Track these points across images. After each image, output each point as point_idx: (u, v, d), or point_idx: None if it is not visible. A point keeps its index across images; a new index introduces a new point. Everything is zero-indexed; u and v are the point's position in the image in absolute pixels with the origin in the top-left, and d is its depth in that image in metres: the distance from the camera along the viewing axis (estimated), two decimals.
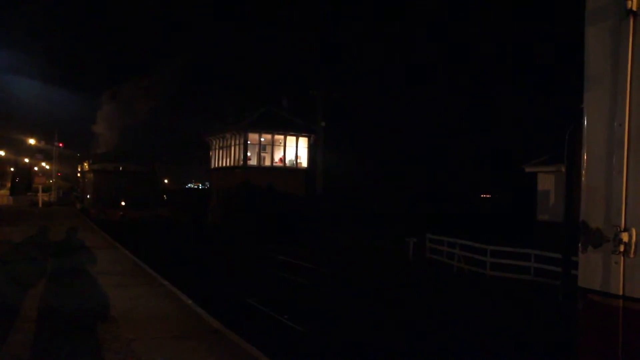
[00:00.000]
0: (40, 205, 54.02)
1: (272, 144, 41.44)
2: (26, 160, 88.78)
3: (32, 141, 78.46)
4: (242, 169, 40.18)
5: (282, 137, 41.43)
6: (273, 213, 37.26)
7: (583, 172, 2.83)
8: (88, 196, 46.13)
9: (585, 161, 2.81)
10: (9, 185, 80.00)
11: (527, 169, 25.57)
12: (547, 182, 24.38)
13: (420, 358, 10.86)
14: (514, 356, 10.98)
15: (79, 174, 68.58)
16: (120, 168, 42.94)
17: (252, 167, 40.59)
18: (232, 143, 42.23)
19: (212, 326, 9.16)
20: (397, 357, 10.93)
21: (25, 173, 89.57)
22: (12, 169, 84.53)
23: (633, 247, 2.55)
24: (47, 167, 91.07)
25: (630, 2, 2.55)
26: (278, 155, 41.65)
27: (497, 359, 10.87)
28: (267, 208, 37.70)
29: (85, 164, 58.40)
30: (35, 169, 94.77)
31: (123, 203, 39.81)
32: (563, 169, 15.96)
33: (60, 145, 74.89)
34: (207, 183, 63.59)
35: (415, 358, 10.84)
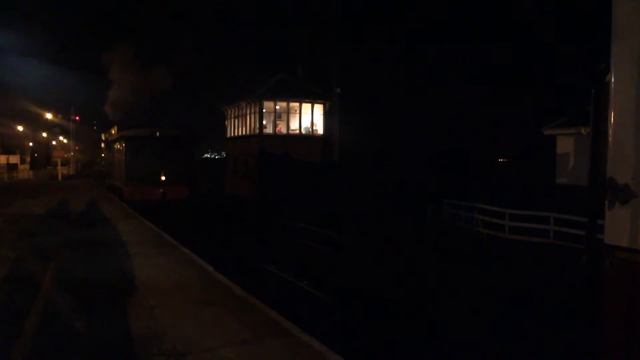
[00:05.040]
0: (59, 178, 54.75)
1: (288, 111, 41.20)
2: (44, 134, 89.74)
3: (49, 116, 79.18)
4: (258, 138, 40.12)
5: (297, 104, 41.16)
6: (290, 181, 37.29)
7: (610, 128, 2.76)
8: (117, 171, 38.18)
9: (612, 116, 2.74)
10: (28, 159, 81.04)
11: (546, 132, 25.23)
12: (566, 144, 24.06)
13: (435, 329, 10.91)
14: (539, 318, 11.00)
15: (103, 144, 58.78)
16: (157, 133, 35.23)
17: (268, 135, 40.46)
18: (248, 112, 42.14)
19: (234, 292, 9.26)
20: (414, 329, 11.00)
21: (44, 147, 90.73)
22: (30, 144, 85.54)
23: None
24: (65, 141, 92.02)
25: None
26: (294, 123, 41.46)
27: (525, 321, 10.90)
28: (284, 176, 37.70)
29: (112, 131, 47.51)
30: (54, 143, 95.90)
31: (163, 178, 32.83)
32: (583, 131, 15.72)
33: (77, 118, 75.49)
34: (223, 153, 63.45)
35: (431, 332, 10.90)
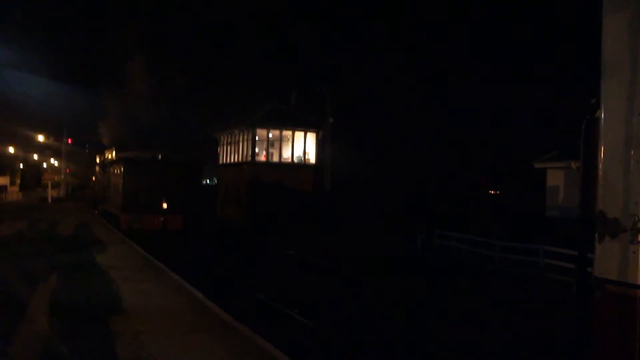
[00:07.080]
0: (49, 201, 54.39)
1: (280, 139, 41.29)
2: (35, 156, 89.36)
3: (41, 138, 78.97)
4: (250, 165, 40.13)
5: (290, 133, 41.29)
6: (281, 209, 37.18)
7: (600, 162, 2.81)
8: (113, 196, 35.09)
9: (602, 151, 2.80)
10: (18, 181, 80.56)
11: (537, 165, 25.44)
12: (556, 178, 24.25)
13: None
14: (532, 350, 10.95)
15: (97, 167, 53.54)
16: (159, 157, 32.21)
17: (260, 163, 40.47)
18: (240, 139, 42.20)
19: (222, 319, 9.19)
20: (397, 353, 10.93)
21: (35, 169, 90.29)
22: (21, 166, 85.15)
23: None
24: (56, 163, 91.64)
25: None
26: (286, 151, 41.52)
27: (520, 352, 10.84)
28: (276, 204, 37.58)
29: (108, 154, 43.41)
30: (44, 165, 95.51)
31: (165, 205, 30.11)
32: (573, 165, 15.80)
33: (70, 141, 75.32)
34: (214, 179, 63.23)
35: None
